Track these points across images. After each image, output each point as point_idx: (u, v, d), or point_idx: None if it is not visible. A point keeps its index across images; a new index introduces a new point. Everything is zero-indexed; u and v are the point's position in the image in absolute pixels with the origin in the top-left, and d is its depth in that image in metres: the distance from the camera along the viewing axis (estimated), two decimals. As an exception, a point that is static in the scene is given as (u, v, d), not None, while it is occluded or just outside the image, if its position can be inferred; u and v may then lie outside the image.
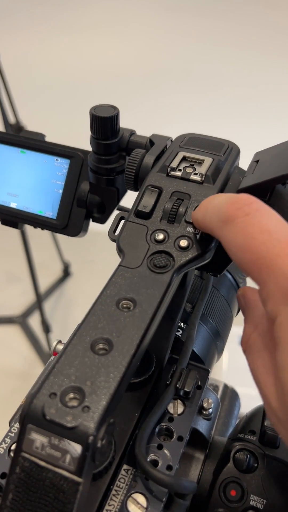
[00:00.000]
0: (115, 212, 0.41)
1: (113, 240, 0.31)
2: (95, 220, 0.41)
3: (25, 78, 2.27)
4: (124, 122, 0.37)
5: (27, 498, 0.22)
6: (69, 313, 1.86)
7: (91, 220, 0.42)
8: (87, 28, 2.56)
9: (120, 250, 0.29)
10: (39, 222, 0.42)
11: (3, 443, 0.30)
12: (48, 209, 0.42)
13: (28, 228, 0.44)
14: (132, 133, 0.37)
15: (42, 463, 0.22)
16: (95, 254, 2.07)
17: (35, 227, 0.43)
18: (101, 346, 0.24)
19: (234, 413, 0.45)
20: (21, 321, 1.77)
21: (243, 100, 2.40)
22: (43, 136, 0.43)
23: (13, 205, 0.43)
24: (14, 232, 1.59)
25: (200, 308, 0.38)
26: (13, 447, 0.30)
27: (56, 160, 0.41)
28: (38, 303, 1.51)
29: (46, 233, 1.72)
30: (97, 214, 0.41)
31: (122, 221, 0.32)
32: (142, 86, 2.54)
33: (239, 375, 0.93)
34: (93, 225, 0.42)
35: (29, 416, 0.22)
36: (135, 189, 0.35)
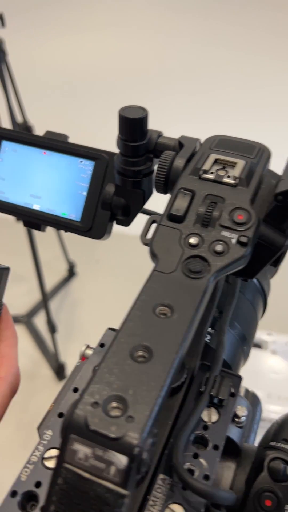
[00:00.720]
0: (139, 215, 0.40)
1: (146, 244, 0.31)
2: (119, 222, 0.41)
3: (30, 78, 2.26)
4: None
5: (70, 510, 0.21)
6: (74, 313, 1.86)
7: (115, 222, 0.41)
8: (91, 28, 2.56)
9: (153, 255, 0.29)
10: (62, 224, 0.41)
11: (36, 451, 0.30)
12: (72, 211, 0.41)
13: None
14: (160, 134, 0.37)
15: (86, 475, 0.21)
16: (101, 254, 2.07)
17: (58, 229, 0.42)
18: (140, 353, 0.24)
19: (256, 418, 0.44)
20: (26, 320, 1.77)
21: (261, 101, 2.39)
22: (66, 137, 0.42)
23: (36, 207, 0.42)
24: (20, 231, 1.59)
25: (229, 313, 0.37)
26: (46, 454, 0.29)
27: (80, 161, 0.41)
28: (44, 302, 1.51)
29: (52, 233, 1.72)
30: (121, 216, 0.40)
31: (154, 225, 0.31)
32: (151, 86, 2.53)
33: (250, 377, 0.93)
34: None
35: (71, 426, 0.21)
36: (165, 192, 0.34)
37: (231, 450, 0.32)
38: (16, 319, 1.76)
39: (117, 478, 0.21)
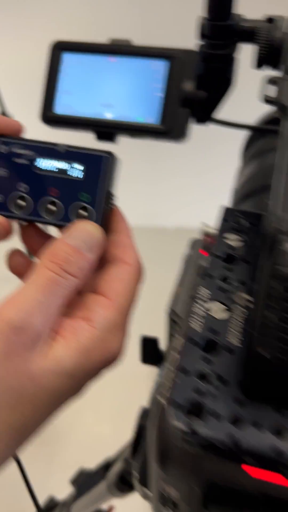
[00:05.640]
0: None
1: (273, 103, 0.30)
2: (199, 120, 0.40)
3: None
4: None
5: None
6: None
7: (195, 121, 0.40)
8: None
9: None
10: (139, 129, 0.40)
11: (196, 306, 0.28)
12: (149, 115, 0.40)
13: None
14: (243, 17, 0.37)
15: None
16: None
17: (132, 136, 0.41)
18: None
19: None
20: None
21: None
22: (129, 41, 0.41)
23: (109, 115, 0.41)
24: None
25: None
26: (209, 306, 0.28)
27: (153, 62, 0.40)
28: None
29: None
30: (201, 112, 0.40)
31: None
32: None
33: None
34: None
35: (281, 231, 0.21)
36: (273, 65, 0.34)
37: None
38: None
39: None
